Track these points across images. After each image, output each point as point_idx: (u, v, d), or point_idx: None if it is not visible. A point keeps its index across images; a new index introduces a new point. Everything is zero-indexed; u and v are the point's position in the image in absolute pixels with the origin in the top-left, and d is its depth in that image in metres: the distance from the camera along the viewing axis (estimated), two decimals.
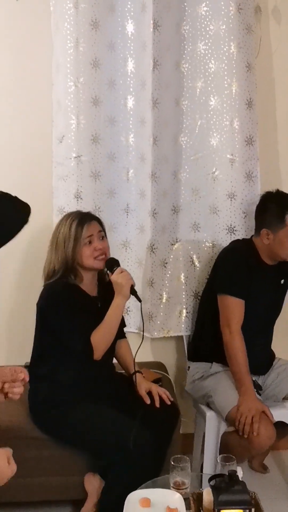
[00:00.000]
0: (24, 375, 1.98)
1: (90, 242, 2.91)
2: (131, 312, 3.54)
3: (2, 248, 3.40)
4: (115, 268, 2.92)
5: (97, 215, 3.22)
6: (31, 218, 3.33)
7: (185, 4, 3.36)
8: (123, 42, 3.37)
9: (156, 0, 3.22)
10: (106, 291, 2.97)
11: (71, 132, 3.36)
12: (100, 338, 2.82)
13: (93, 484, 2.90)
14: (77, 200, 3.40)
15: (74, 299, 2.87)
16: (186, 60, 3.41)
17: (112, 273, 2.91)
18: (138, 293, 2.96)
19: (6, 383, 1.96)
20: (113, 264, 2.96)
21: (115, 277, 2.88)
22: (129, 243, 3.56)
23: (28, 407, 2.97)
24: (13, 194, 3.39)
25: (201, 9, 3.35)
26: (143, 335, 3.07)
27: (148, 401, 2.93)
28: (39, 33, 3.37)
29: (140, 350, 3.04)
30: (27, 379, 2.00)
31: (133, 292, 2.90)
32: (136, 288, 2.96)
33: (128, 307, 3.52)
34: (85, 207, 3.32)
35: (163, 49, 3.30)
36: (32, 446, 2.92)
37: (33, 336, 2.98)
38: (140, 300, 2.96)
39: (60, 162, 3.42)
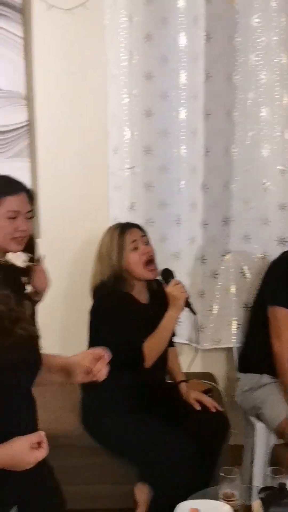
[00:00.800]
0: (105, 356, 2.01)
1: (135, 248, 2.92)
2: (182, 323, 3.55)
3: (59, 257, 3.47)
4: (170, 280, 2.93)
5: (149, 226, 3.25)
6: (89, 229, 3.38)
7: (237, 16, 3.36)
8: (176, 54, 3.39)
9: (208, 12, 3.23)
10: (157, 299, 2.98)
11: (124, 144, 3.40)
12: (152, 347, 2.83)
13: (143, 494, 2.89)
14: (130, 211, 3.43)
15: (125, 307, 2.89)
16: (238, 71, 3.41)
17: (167, 285, 2.93)
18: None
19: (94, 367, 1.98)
20: (168, 275, 2.97)
21: (170, 289, 2.89)
22: (180, 254, 3.57)
23: (80, 414, 3.01)
24: (71, 204, 3.49)
25: (253, 20, 3.34)
26: (195, 347, 3.07)
27: (198, 407, 2.94)
28: (94, 45, 3.42)
29: (189, 361, 3.05)
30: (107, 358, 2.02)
31: (187, 305, 2.91)
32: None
33: (179, 318, 3.53)
34: (137, 218, 3.35)
35: (215, 61, 3.31)
36: (82, 454, 2.96)
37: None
38: (195, 313, 2.97)
39: (114, 173, 3.48)
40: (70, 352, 2.57)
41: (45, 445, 1.75)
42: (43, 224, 3.53)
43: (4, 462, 1.70)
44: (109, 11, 3.34)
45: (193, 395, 3.00)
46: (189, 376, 3.32)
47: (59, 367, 2.04)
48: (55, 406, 3.17)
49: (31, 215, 2.41)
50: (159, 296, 2.94)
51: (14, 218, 2.31)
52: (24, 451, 1.69)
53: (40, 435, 1.75)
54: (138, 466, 2.90)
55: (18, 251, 2.37)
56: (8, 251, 2.36)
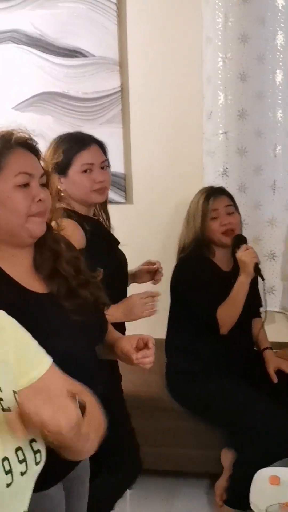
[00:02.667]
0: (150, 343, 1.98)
1: (216, 217, 2.92)
2: (276, 292, 3.49)
3: (152, 223, 3.48)
4: (241, 246, 2.90)
5: (243, 192, 3.19)
6: (182, 195, 3.36)
7: None
8: (273, 15, 3.27)
9: None
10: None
11: (218, 108, 3.35)
12: (225, 314, 2.82)
13: (228, 459, 2.91)
14: (223, 176, 3.38)
15: (204, 272, 2.88)
16: None
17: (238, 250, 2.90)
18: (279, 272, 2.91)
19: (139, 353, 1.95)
20: (239, 241, 2.94)
21: (239, 254, 2.86)
22: (276, 221, 3.48)
23: (166, 378, 3.03)
24: (164, 170, 3.48)
25: None
26: (265, 314, 3.01)
27: (275, 380, 2.92)
28: (189, 9, 3.37)
29: (284, 331, 2.99)
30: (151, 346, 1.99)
31: (256, 270, 2.87)
32: (280, 267, 2.91)
33: (273, 286, 3.48)
34: (230, 184, 3.31)
35: None
36: (170, 417, 2.99)
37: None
38: (263, 279, 2.93)
39: (208, 139, 3.43)
40: (158, 319, 2.59)
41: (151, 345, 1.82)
42: (135, 190, 3.56)
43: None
44: None
45: (273, 364, 2.97)
46: (282, 346, 3.28)
47: (109, 343, 1.99)
48: (143, 369, 3.20)
49: (106, 164, 2.43)
50: None
51: (90, 171, 2.35)
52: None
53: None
54: (225, 431, 2.91)
55: (102, 201, 2.43)
56: (92, 203, 2.41)
